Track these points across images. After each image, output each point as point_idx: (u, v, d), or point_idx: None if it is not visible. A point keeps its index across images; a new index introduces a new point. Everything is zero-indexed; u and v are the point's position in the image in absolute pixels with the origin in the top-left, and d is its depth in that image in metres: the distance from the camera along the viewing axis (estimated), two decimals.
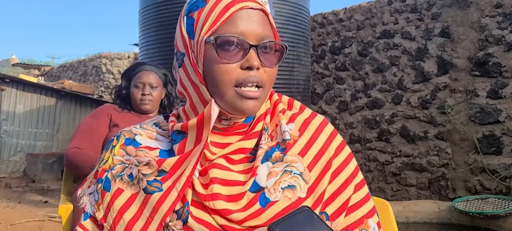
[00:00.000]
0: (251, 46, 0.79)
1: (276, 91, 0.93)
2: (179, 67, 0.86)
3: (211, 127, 0.79)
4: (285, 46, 0.84)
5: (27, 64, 17.31)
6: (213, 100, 0.80)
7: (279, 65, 0.84)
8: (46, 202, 5.58)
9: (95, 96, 8.98)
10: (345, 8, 5.64)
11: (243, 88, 0.79)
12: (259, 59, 0.79)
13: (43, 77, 12.48)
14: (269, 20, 0.83)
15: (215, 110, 0.79)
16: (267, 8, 0.92)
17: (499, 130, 4.23)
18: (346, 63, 5.58)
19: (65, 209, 1.94)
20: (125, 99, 2.30)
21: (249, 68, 0.79)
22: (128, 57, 9.82)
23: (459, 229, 3.67)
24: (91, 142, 2.12)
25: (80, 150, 2.09)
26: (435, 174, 4.68)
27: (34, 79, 9.70)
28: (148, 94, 2.22)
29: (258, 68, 0.79)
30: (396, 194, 5.02)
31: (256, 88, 0.80)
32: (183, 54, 0.84)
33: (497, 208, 3.58)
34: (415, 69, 4.86)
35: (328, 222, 0.83)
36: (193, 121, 0.82)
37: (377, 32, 5.23)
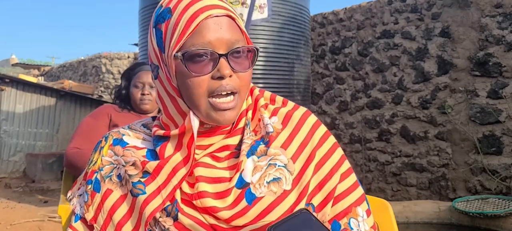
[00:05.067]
0: (220, 55, 0.77)
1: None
2: (155, 79, 0.86)
3: (195, 138, 0.80)
4: (256, 48, 0.82)
5: (27, 64, 17.29)
6: (191, 112, 0.80)
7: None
8: (46, 202, 5.58)
9: (95, 97, 8.98)
10: (345, 8, 5.63)
11: (216, 99, 0.78)
12: (231, 66, 0.78)
13: (43, 77, 12.48)
14: (237, 24, 0.82)
15: (195, 122, 0.80)
16: (242, 12, 0.92)
17: (499, 130, 4.22)
18: (346, 63, 5.57)
19: (65, 209, 1.92)
20: (125, 99, 2.30)
21: (221, 77, 0.78)
22: (128, 57, 9.82)
23: (459, 229, 3.66)
24: (91, 142, 2.10)
25: (80, 150, 2.09)
26: (435, 174, 4.68)
27: (33, 79, 9.70)
28: (147, 94, 2.22)
29: (230, 76, 0.78)
30: (396, 194, 5.01)
31: (231, 97, 0.79)
32: (157, 67, 0.84)
33: (497, 208, 3.58)
34: (415, 69, 4.85)
35: (326, 224, 0.83)
36: (174, 131, 0.83)
37: (377, 32, 5.23)
